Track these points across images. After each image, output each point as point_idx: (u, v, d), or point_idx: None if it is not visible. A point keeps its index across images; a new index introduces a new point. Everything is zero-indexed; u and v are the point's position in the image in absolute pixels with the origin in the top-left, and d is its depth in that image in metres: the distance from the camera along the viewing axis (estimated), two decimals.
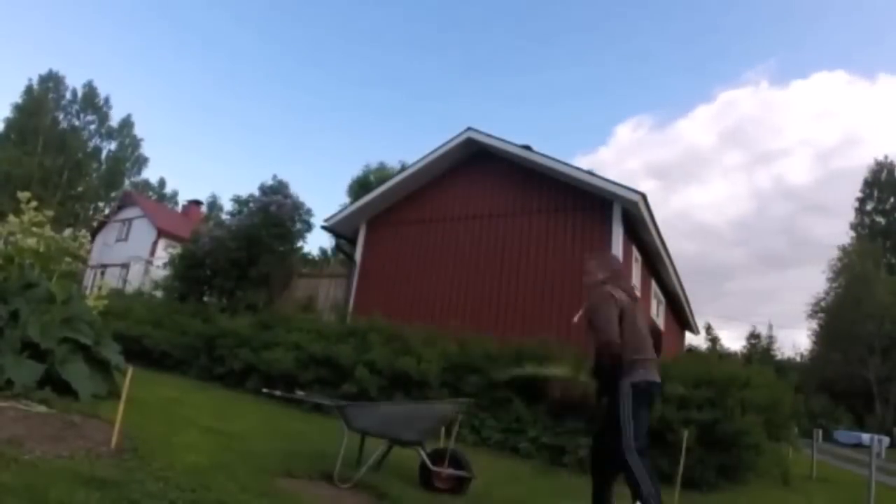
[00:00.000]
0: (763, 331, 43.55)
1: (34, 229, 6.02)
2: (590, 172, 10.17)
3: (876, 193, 40.68)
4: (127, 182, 44.14)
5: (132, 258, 26.02)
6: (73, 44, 67.28)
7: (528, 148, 11.07)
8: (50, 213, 6.46)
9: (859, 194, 41.32)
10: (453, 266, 11.04)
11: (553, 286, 9.94)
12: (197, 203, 37.82)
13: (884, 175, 40.71)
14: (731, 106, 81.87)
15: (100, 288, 6.86)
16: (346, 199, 29.76)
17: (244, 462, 3.82)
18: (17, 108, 40.25)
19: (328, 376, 8.41)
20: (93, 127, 43.61)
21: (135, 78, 73.69)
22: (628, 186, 9.66)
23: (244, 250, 12.25)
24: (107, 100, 43.63)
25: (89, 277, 23.93)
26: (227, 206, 25.85)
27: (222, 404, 7.15)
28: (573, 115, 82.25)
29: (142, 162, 46.06)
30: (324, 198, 76.46)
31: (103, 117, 43.77)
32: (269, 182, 13.24)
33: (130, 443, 3.62)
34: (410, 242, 11.79)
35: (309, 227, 13.63)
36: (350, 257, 12.76)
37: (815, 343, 37.43)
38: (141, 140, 45.46)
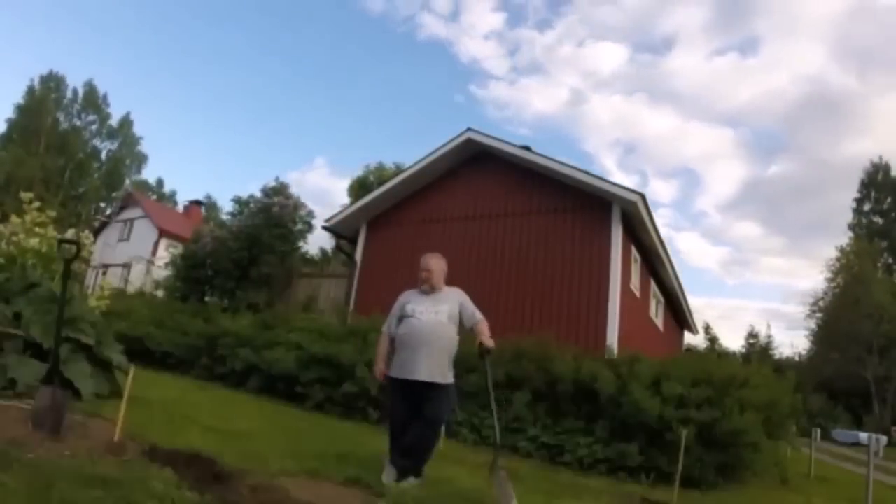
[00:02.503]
0: (762, 330, 43.64)
1: (37, 229, 6.07)
2: (589, 173, 10.19)
3: (873, 194, 40.76)
4: (127, 181, 44.21)
5: (134, 258, 26.06)
6: (72, 42, 67.38)
7: (527, 148, 11.11)
8: (52, 213, 6.51)
9: (857, 195, 41.40)
10: (453, 266, 11.03)
11: (552, 286, 9.97)
12: (198, 203, 37.89)
13: (880, 176, 40.83)
14: None
15: (102, 288, 6.91)
16: (346, 199, 29.81)
17: (245, 461, 3.85)
18: (19, 109, 40.35)
19: (329, 376, 8.45)
20: (94, 127, 43.72)
21: (131, 76, 73.73)
22: (627, 187, 9.72)
23: (245, 251, 12.31)
24: (104, 97, 43.67)
25: (91, 277, 23.96)
26: (226, 206, 25.83)
27: (224, 404, 7.19)
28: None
29: (141, 160, 46.17)
30: (324, 196, 76.36)
31: (104, 117, 43.88)
32: (272, 183, 13.32)
33: (132, 442, 3.65)
34: (411, 242, 11.80)
35: (310, 227, 13.71)
36: (351, 257, 12.80)
37: (813, 343, 37.50)
38: (140, 138, 45.58)
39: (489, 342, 3.96)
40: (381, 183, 15.47)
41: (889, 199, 40.38)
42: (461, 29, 77.49)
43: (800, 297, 78.89)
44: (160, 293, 14.32)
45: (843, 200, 55.87)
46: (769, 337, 40.51)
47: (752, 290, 77.88)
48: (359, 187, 27.98)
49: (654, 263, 12.27)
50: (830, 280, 36.20)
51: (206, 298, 12.62)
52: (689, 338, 20.70)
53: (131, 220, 30.93)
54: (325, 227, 12.95)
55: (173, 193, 54.08)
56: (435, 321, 4.06)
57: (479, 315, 4.26)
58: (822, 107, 65.37)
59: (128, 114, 45.01)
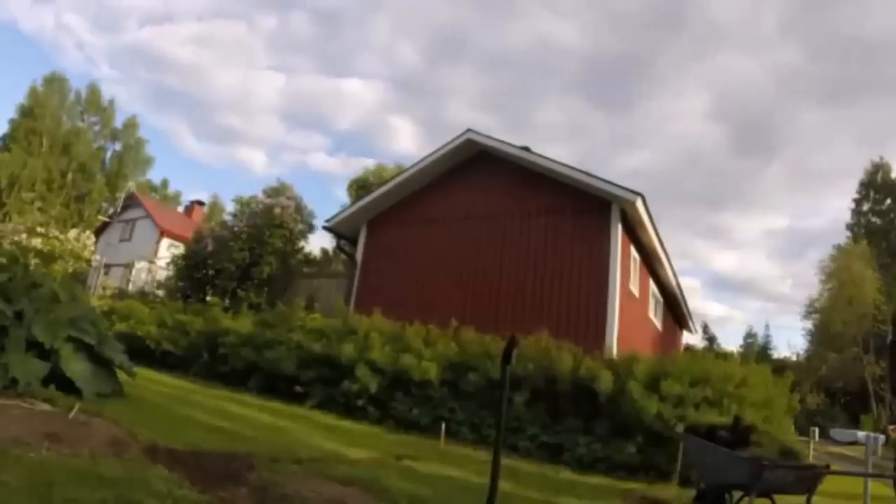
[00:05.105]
0: (760, 330, 43.72)
1: (39, 230, 6.12)
2: (588, 173, 10.20)
3: (872, 194, 40.74)
4: (131, 183, 44.26)
5: (135, 258, 26.12)
6: (75, 43, 67.31)
7: (527, 149, 11.12)
8: (54, 213, 6.56)
9: (855, 195, 41.38)
10: (454, 266, 11.09)
11: (552, 285, 9.99)
12: (199, 203, 37.89)
13: (879, 176, 40.83)
14: None
15: (104, 288, 6.95)
16: (346, 199, 29.79)
17: (246, 460, 3.89)
18: (22, 110, 40.40)
19: (329, 375, 8.50)
20: (97, 128, 43.84)
21: (137, 75, 73.58)
22: (626, 187, 9.70)
23: (246, 251, 12.35)
24: (111, 101, 43.91)
25: (93, 277, 24.01)
26: (229, 206, 25.86)
27: (225, 403, 7.22)
28: None
29: (146, 163, 46.27)
30: (323, 195, 76.26)
31: (107, 118, 44.00)
32: (273, 184, 13.38)
33: (134, 441, 3.68)
34: (411, 242, 11.84)
35: (311, 227, 13.75)
36: (351, 257, 12.82)
37: (810, 342, 37.55)
38: (146, 141, 45.73)
39: None
40: (381, 183, 15.49)
41: (888, 200, 40.36)
42: None
43: None
44: (161, 293, 14.37)
45: None
46: (767, 337, 40.54)
47: None
48: (359, 188, 27.96)
49: (653, 263, 12.29)
50: (827, 280, 36.12)
51: (208, 298, 12.67)
52: (687, 337, 20.72)
53: (133, 221, 30.96)
54: (325, 228, 12.98)
55: (178, 195, 54.10)
56: None
57: None
58: None
59: (133, 116, 45.23)
